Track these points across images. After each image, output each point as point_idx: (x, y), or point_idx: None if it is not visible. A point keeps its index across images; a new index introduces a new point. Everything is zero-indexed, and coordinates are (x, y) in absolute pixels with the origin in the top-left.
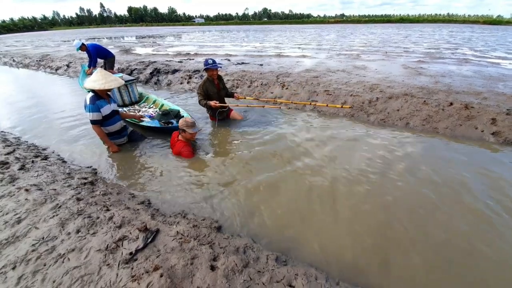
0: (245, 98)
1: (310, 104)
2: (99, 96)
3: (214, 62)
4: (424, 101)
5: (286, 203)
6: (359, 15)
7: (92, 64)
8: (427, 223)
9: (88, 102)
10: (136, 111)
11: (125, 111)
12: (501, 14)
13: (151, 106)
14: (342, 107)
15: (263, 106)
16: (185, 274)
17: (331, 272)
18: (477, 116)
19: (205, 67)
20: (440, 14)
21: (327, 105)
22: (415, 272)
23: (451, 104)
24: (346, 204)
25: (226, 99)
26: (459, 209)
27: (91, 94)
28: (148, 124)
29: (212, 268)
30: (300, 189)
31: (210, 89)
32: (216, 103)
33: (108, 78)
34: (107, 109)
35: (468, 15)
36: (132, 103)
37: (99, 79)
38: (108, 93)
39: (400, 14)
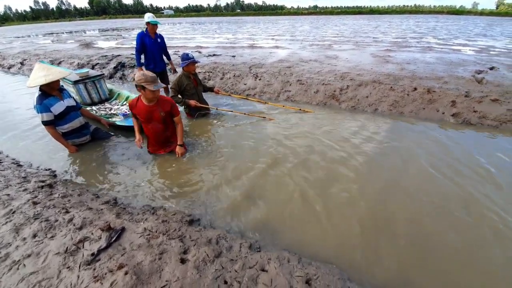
0: (230, 95)
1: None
2: (48, 94)
3: (192, 56)
4: (391, 87)
5: (262, 191)
6: (332, 7)
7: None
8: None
9: (35, 102)
10: (107, 109)
11: (94, 110)
12: (463, 5)
13: (124, 103)
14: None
15: (246, 114)
16: (153, 270)
17: (304, 254)
18: (438, 99)
19: (187, 61)
20: (407, 6)
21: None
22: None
23: (415, 89)
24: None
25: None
26: None
27: (38, 92)
28: (124, 124)
29: (182, 261)
30: (276, 178)
31: (187, 84)
32: (196, 103)
33: (51, 70)
34: (59, 107)
35: (434, 6)
36: (101, 101)
37: (39, 73)
38: (66, 87)
39: (370, 6)
